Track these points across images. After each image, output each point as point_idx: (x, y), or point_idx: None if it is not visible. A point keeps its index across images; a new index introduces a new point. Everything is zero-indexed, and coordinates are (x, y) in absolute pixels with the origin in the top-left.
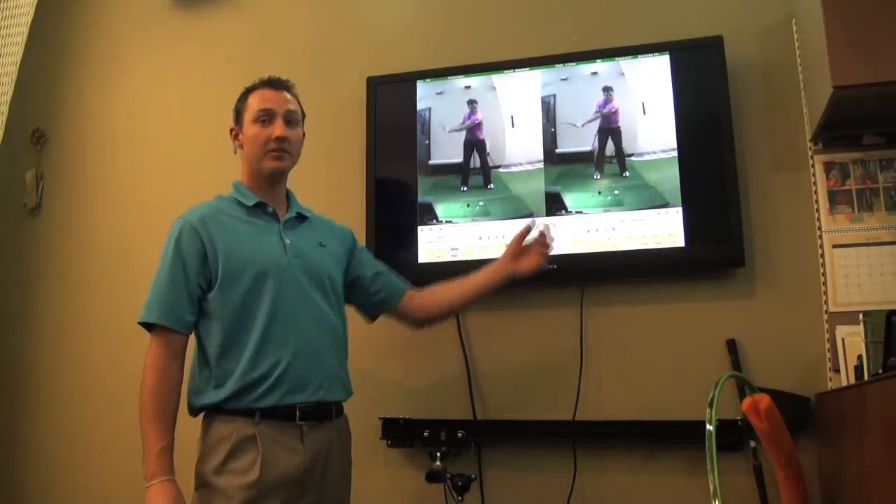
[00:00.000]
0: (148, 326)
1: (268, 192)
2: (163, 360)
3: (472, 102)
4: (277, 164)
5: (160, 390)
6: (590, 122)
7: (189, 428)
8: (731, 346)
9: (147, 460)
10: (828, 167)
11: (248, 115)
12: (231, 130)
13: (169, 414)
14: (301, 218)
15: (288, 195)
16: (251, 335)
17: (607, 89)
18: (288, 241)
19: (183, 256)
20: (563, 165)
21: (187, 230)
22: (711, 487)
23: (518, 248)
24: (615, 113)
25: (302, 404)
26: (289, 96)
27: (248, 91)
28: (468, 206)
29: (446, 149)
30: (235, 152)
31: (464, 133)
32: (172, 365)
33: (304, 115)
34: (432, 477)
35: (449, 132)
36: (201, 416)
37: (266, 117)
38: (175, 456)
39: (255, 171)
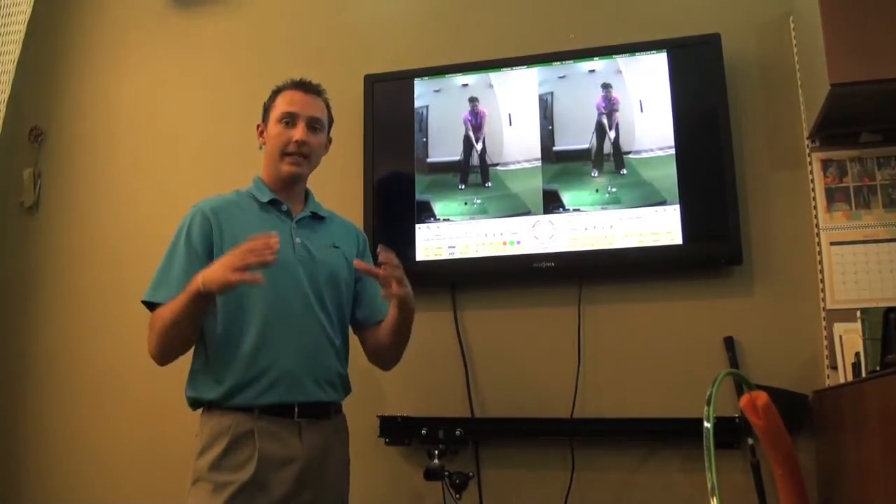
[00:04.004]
0: (150, 305)
1: (285, 191)
2: None
3: (473, 100)
4: (293, 168)
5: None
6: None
7: (189, 424)
8: (729, 343)
9: (191, 285)
10: (825, 165)
11: (274, 115)
12: (258, 127)
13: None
14: (317, 218)
15: (306, 194)
16: (249, 329)
17: (606, 86)
18: (298, 241)
19: (192, 240)
20: (560, 163)
21: (199, 217)
22: (709, 485)
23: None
24: (616, 108)
25: (301, 403)
26: (318, 101)
27: (277, 90)
28: (466, 203)
29: (444, 147)
30: (260, 148)
31: (464, 130)
32: None
33: (331, 122)
34: (430, 475)
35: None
36: (199, 410)
37: (289, 119)
38: (173, 452)
39: (273, 171)
